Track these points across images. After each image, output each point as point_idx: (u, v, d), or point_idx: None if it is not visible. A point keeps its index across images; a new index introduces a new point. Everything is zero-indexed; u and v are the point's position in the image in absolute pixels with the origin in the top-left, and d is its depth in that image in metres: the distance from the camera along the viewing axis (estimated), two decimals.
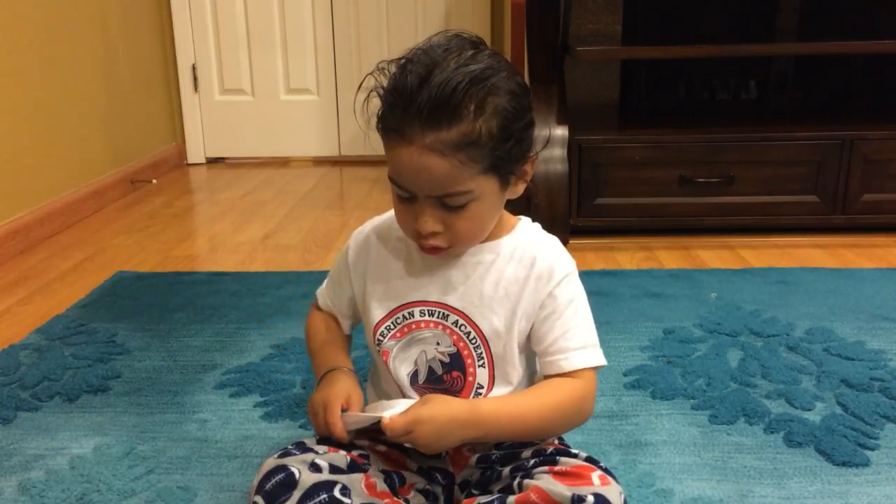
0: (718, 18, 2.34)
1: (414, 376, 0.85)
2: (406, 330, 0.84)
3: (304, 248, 2.01)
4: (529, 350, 0.85)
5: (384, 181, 0.80)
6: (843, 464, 0.99)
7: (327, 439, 0.81)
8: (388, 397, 0.87)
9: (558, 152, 1.94)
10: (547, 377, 0.84)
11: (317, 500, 0.73)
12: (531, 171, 0.82)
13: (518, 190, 0.82)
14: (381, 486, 0.79)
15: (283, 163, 3.12)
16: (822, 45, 2.07)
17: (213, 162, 3.13)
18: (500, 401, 0.82)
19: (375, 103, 0.77)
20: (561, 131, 1.96)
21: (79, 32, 2.34)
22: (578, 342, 0.82)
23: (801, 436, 1.05)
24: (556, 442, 0.85)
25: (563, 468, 0.75)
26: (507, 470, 0.79)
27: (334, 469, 0.77)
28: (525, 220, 0.88)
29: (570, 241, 1.95)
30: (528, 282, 0.82)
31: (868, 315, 1.47)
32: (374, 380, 0.92)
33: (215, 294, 1.64)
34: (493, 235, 0.84)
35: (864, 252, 1.87)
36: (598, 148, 1.97)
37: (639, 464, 1.00)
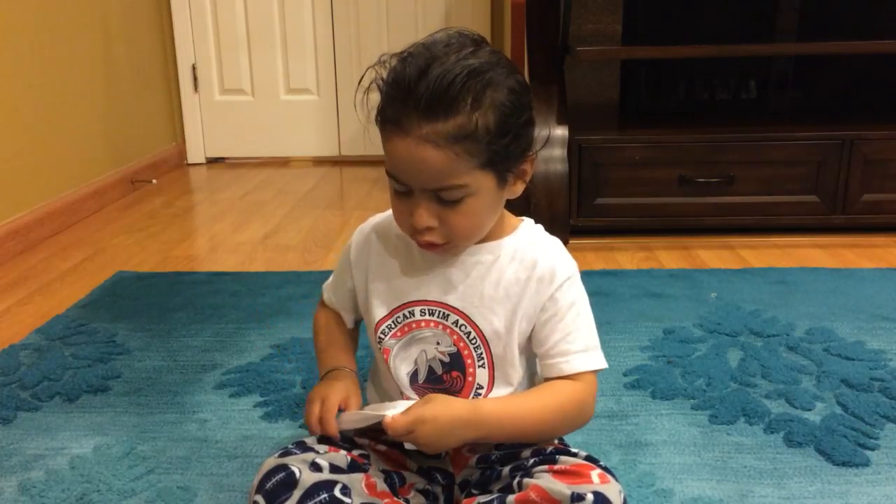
0: (718, 18, 2.34)
1: (414, 376, 0.85)
2: (406, 329, 0.84)
3: (304, 248, 2.01)
4: (530, 351, 0.85)
5: (384, 181, 0.80)
6: (843, 464, 0.99)
7: (327, 439, 0.81)
8: (389, 396, 0.87)
9: (558, 152, 1.94)
10: (548, 379, 0.84)
11: (317, 499, 0.73)
12: (531, 171, 0.82)
13: (517, 190, 0.82)
14: (382, 485, 0.79)
15: (283, 163, 3.12)
16: (822, 45, 2.07)
17: (213, 162, 3.13)
18: (502, 401, 0.82)
19: (375, 98, 0.77)
20: (561, 131, 1.96)
21: (79, 32, 2.34)
22: (580, 345, 0.82)
23: (801, 436, 1.05)
24: (556, 442, 0.85)
25: (563, 467, 0.75)
26: (506, 469, 0.79)
27: (335, 468, 0.77)
28: (528, 222, 0.88)
29: (570, 241, 1.95)
30: (530, 283, 0.82)
31: (868, 315, 1.47)
32: (374, 378, 0.92)
33: (215, 294, 1.64)
34: (495, 236, 0.84)
35: (864, 252, 1.87)
36: (598, 148, 1.97)
37: (639, 464, 1.00)
